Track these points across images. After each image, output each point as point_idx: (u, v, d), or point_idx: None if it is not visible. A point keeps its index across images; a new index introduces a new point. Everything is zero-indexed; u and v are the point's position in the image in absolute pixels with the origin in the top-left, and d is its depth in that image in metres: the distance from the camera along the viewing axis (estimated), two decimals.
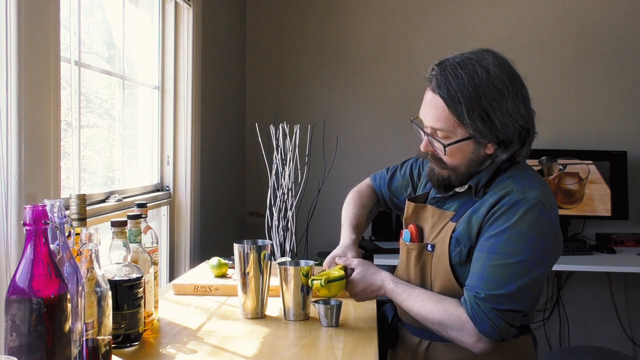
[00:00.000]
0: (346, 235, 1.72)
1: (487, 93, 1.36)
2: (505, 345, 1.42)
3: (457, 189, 1.49)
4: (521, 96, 1.40)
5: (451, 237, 1.45)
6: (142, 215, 1.46)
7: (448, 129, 1.40)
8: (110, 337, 1.18)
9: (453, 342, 1.44)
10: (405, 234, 1.56)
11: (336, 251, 1.66)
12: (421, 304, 1.44)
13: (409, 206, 1.59)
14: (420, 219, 1.56)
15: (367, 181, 1.90)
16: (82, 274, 1.12)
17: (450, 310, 1.39)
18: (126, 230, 1.35)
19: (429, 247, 1.50)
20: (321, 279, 1.52)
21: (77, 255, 1.16)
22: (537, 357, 1.58)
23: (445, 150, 1.43)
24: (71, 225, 1.23)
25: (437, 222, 1.50)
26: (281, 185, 2.28)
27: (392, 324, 1.62)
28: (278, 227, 2.26)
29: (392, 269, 1.66)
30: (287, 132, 2.31)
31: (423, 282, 1.51)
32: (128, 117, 2.24)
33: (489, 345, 1.37)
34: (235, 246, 1.60)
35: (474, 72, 1.38)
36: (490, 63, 1.40)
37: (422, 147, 1.48)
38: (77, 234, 1.22)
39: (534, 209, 1.36)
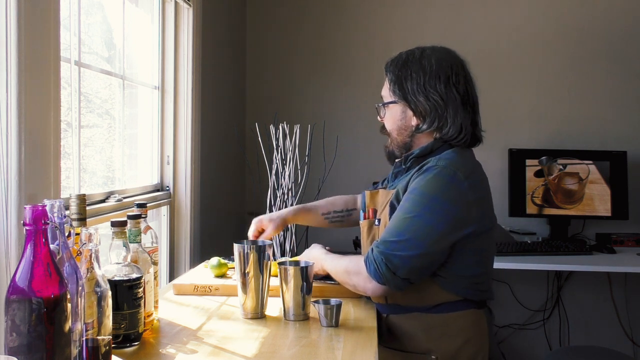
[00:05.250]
0: (284, 210, 1.98)
1: (412, 66, 1.64)
2: (451, 317, 1.59)
3: (397, 160, 1.73)
4: (445, 78, 1.61)
5: (391, 205, 1.64)
6: (142, 215, 1.46)
7: (385, 94, 1.71)
8: (110, 337, 1.18)
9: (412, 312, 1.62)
10: (360, 215, 1.80)
11: (262, 218, 1.94)
12: (340, 259, 1.66)
13: (366, 195, 1.79)
14: (376, 203, 1.75)
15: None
16: (82, 274, 1.12)
17: (355, 259, 1.61)
18: (126, 230, 1.35)
19: (376, 222, 1.71)
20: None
21: (77, 255, 1.16)
22: (491, 332, 1.63)
23: (378, 111, 1.74)
24: (71, 225, 1.23)
25: (384, 201, 1.70)
26: (281, 185, 2.28)
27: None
28: None
29: None
30: (287, 132, 2.31)
31: None
32: (128, 117, 2.24)
33: (378, 288, 1.54)
34: (235, 246, 1.60)
35: (412, 52, 1.68)
36: (431, 49, 1.67)
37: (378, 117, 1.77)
38: (77, 234, 1.21)
39: (440, 174, 1.54)
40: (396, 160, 1.74)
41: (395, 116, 1.69)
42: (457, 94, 1.61)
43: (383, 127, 1.76)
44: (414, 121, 1.65)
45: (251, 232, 1.93)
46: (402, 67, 1.65)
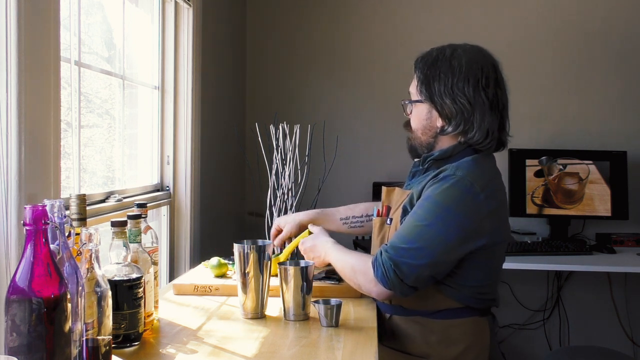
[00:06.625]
0: (302, 213, 2.00)
1: (442, 66, 1.60)
2: (452, 324, 1.58)
3: (416, 160, 1.72)
4: (474, 81, 1.57)
5: (403, 209, 1.62)
6: (142, 215, 1.46)
7: (413, 92, 1.69)
8: (110, 337, 1.18)
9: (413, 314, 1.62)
10: (374, 211, 1.78)
11: (280, 219, 1.99)
12: (348, 254, 1.64)
13: (383, 191, 1.78)
14: (391, 200, 1.75)
15: None
16: (82, 274, 1.12)
17: (363, 258, 1.59)
18: (126, 230, 1.35)
19: (388, 221, 1.70)
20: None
21: (77, 255, 1.16)
22: (493, 339, 1.65)
23: (405, 107, 1.71)
24: (71, 225, 1.23)
25: (398, 200, 1.70)
26: (281, 185, 2.28)
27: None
28: None
29: None
30: (287, 132, 2.31)
31: None
32: (128, 117, 2.24)
33: (383, 292, 1.54)
34: (235, 246, 1.60)
35: (443, 50, 1.63)
36: (463, 49, 1.62)
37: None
38: (77, 234, 1.21)
39: (456, 185, 1.52)
40: (415, 160, 1.73)
41: (420, 115, 1.66)
42: (486, 98, 1.57)
43: (407, 123, 1.74)
44: (439, 122, 1.62)
45: (272, 232, 2.00)
46: (431, 66, 1.61)
